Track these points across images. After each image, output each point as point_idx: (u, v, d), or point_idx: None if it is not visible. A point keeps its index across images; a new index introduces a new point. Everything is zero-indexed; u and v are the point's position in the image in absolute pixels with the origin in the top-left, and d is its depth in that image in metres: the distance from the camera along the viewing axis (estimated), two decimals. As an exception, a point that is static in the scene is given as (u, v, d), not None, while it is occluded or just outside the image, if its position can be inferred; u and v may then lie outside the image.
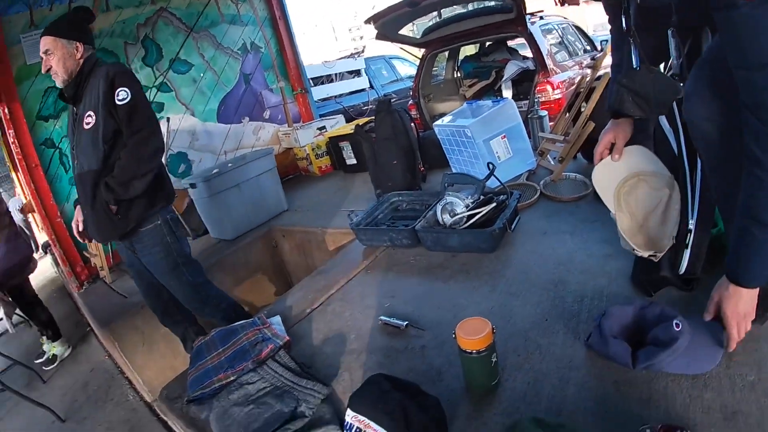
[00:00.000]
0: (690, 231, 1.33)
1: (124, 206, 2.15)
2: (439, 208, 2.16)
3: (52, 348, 4.29)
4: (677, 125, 1.31)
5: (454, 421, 1.18)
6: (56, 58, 2.13)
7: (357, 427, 1.10)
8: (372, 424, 1.07)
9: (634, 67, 1.27)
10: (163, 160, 3.49)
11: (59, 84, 2.19)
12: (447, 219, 2.12)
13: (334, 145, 4.60)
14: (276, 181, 3.90)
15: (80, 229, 2.37)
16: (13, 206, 6.60)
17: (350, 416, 1.12)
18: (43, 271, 7.42)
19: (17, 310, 4.41)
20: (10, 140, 3.48)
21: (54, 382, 4.01)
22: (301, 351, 1.65)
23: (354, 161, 4.43)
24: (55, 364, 4.23)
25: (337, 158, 4.66)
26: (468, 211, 2.09)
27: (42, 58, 2.17)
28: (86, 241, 2.54)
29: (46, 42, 2.15)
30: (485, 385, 1.23)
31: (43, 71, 2.20)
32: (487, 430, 1.13)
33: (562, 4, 5.35)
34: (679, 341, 1.07)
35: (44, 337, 4.34)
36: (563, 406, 1.13)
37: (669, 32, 1.20)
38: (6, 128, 3.45)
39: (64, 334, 4.46)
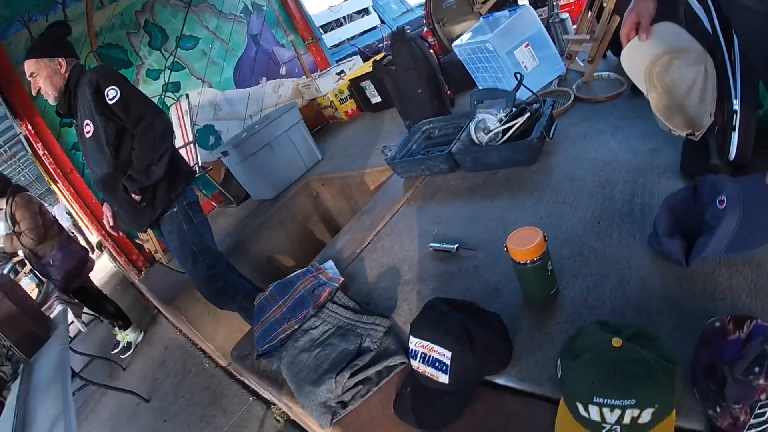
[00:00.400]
0: (735, 112, 1.23)
1: (149, 194, 2.22)
2: (472, 127, 2.09)
3: (125, 336, 4.55)
4: (707, 2, 1.20)
5: (516, 334, 1.17)
6: (42, 79, 2.15)
7: (422, 353, 1.11)
8: (435, 347, 1.08)
9: None
10: (184, 138, 3.55)
11: (52, 102, 2.23)
12: (482, 137, 2.06)
13: (356, 86, 4.52)
14: (305, 134, 3.89)
15: (111, 223, 2.46)
16: (60, 213, 6.89)
17: (414, 343, 1.13)
18: (104, 268, 7.81)
19: (85, 309, 4.68)
20: (41, 152, 3.58)
21: (133, 367, 4.28)
22: (357, 290, 1.67)
23: (378, 99, 4.34)
24: (131, 351, 4.51)
25: (362, 99, 4.58)
26: (502, 125, 2.02)
27: (30, 82, 2.19)
28: (120, 233, 2.70)
29: (29, 65, 2.15)
30: (544, 295, 1.21)
31: (33, 94, 2.23)
32: (551, 339, 1.13)
33: None
34: (724, 222, 1.01)
35: (116, 328, 4.61)
36: (626, 307, 1.11)
37: None
38: (34, 143, 3.55)
39: (134, 321, 4.73)
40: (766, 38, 1.01)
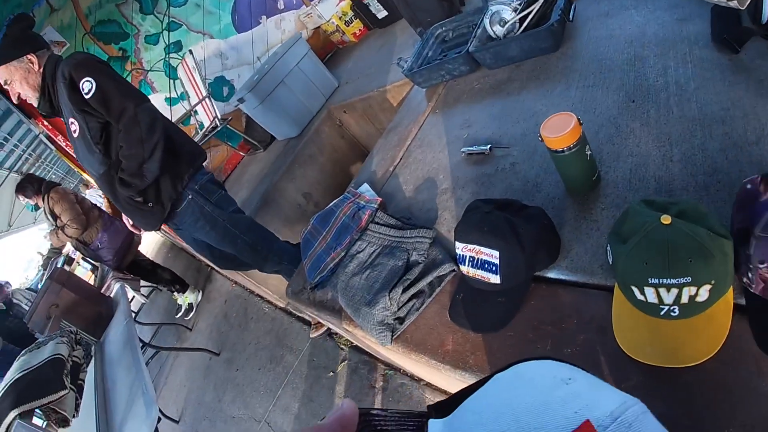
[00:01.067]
0: None
1: (152, 191, 2.05)
2: (487, 21, 1.98)
3: (185, 299, 4.77)
4: None
5: (563, 226, 1.16)
6: (17, 83, 1.97)
7: (470, 257, 1.11)
8: (482, 249, 1.08)
9: None
10: (198, 95, 3.44)
11: (35, 104, 2.05)
12: (498, 30, 1.95)
13: (358, 5, 4.31)
14: (317, 63, 3.80)
15: (131, 223, 2.32)
16: (94, 198, 7.07)
17: (460, 248, 1.14)
18: (152, 239, 8.07)
19: (142, 282, 4.89)
20: (63, 145, 3.61)
21: (199, 326, 4.50)
22: (396, 206, 1.68)
23: (385, 12, 4.15)
24: (194, 311, 4.74)
25: (368, 17, 4.39)
26: (518, 14, 1.90)
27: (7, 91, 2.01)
28: (141, 232, 2.49)
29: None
30: (586, 181, 1.18)
31: (14, 101, 2.08)
32: (598, 226, 1.11)
33: None
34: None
35: (175, 293, 4.82)
36: (672, 183, 1.07)
37: None
38: (54, 138, 3.57)
39: (191, 283, 4.93)
40: None
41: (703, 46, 1.36)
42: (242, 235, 2.32)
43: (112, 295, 3.61)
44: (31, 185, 3.88)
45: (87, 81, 1.87)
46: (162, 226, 2.28)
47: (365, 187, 1.82)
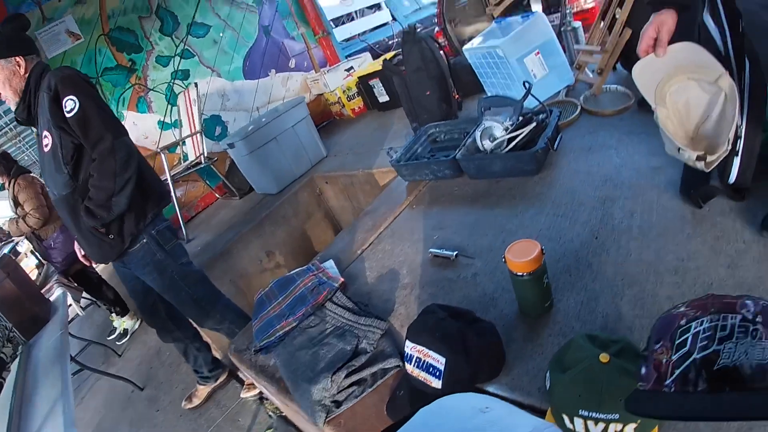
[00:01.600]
0: (739, 137, 1.24)
1: (116, 224, 1.99)
2: (478, 134, 2.12)
3: (123, 323, 4.56)
4: (722, 22, 1.21)
5: (510, 344, 1.20)
6: (0, 83, 1.91)
7: (417, 357, 1.13)
8: (431, 352, 1.10)
9: None
10: (191, 127, 3.47)
11: (13, 108, 1.98)
12: (487, 144, 2.08)
13: (364, 84, 4.53)
14: (312, 130, 3.90)
15: (83, 252, 2.24)
16: None
17: (409, 347, 1.16)
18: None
19: (84, 293, 4.68)
20: None
21: (128, 355, 4.29)
22: (356, 290, 1.70)
23: (386, 98, 4.36)
24: (127, 338, 4.52)
25: (369, 97, 4.59)
26: (508, 134, 2.03)
27: None
28: (91, 264, 2.40)
29: None
30: (539, 306, 1.24)
31: None
32: (542, 351, 1.15)
33: None
34: None
35: (113, 314, 4.61)
36: (619, 322, 1.13)
37: None
38: None
39: (132, 309, 4.72)
40: None
41: (670, 197, 1.47)
42: (187, 288, 2.25)
43: (52, 299, 3.45)
44: (2, 163, 3.77)
45: (71, 99, 1.82)
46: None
47: (330, 264, 1.84)
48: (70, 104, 1.81)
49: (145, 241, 2.08)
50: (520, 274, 1.16)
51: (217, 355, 3.31)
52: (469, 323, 1.16)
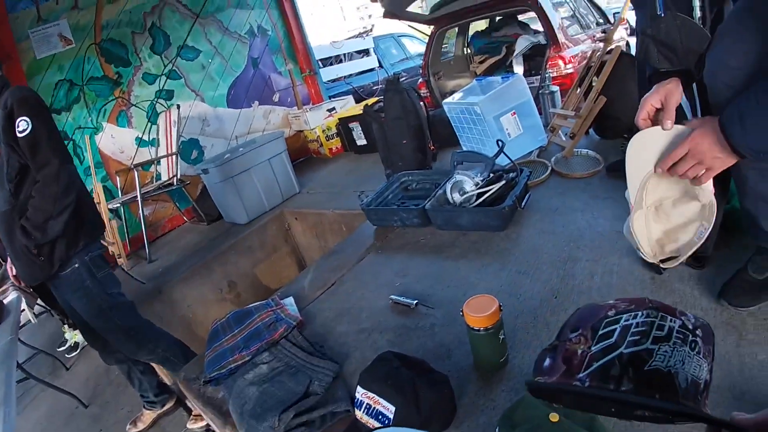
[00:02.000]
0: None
1: (47, 248, 2.00)
2: (448, 186, 2.16)
3: (74, 336, 4.38)
4: (694, 95, 1.25)
5: (462, 397, 1.20)
6: None
7: (367, 404, 1.12)
8: (381, 400, 1.09)
9: (659, 14, 1.18)
10: (167, 148, 3.45)
11: None
12: (457, 197, 2.13)
13: (344, 126, 4.60)
14: (287, 165, 3.93)
15: (14, 272, 2.25)
16: None
17: (360, 393, 1.15)
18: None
19: (39, 301, 4.50)
20: None
21: (76, 369, 4.12)
22: (313, 330, 1.68)
23: (364, 142, 4.43)
24: (78, 351, 4.34)
25: (348, 139, 4.66)
26: (477, 189, 2.09)
27: None
28: (22, 286, 2.40)
29: None
30: (493, 362, 1.25)
31: None
32: (494, 405, 1.15)
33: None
34: None
35: (66, 326, 4.42)
36: (571, 382, 1.15)
37: None
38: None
39: (83, 324, 4.52)
40: None
41: (632, 261, 1.52)
42: (116, 318, 2.22)
43: (5, 302, 3.30)
44: None
45: (24, 120, 1.84)
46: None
47: (290, 301, 1.83)
48: (23, 125, 1.83)
49: (76, 266, 2.08)
50: (477, 328, 1.17)
51: (166, 380, 3.21)
52: (423, 374, 1.16)
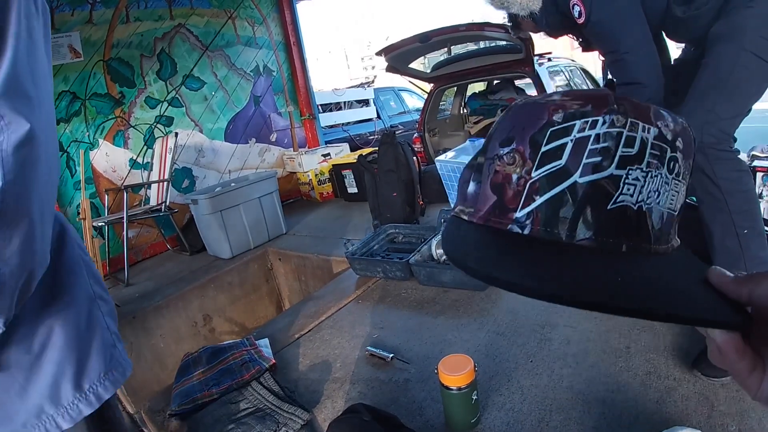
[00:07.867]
0: None
1: None
2: (434, 243, 2.19)
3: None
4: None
5: (431, 456, 1.19)
6: None
7: (334, 455, 1.11)
8: (349, 453, 1.08)
9: None
10: (160, 174, 3.44)
11: None
12: (441, 254, 2.15)
13: (336, 172, 4.66)
14: (276, 205, 3.94)
15: None
16: None
17: (328, 444, 1.14)
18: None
19: None
20: None
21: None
22: (286, 375, 1.66)
23: (355, 190, 4.48)
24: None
25: (339, 186, 4.71)
26: (462, 248, 2.12)
27: None
28: None
29: None
30: (464, 422, 1.24)
31: None
32: (462, 468, 1.15)
33: (584, 50, 5.44)
34: None
35: None
36: (541, 448, 1.15)
37: None
38: None
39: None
40: None
41: (608, 329, 1.55)
42: None
43: None
44: None
45: None
46: None
47: (265, 342, 1.81)
48: None
49: None
50: (451, 387, 1.18)
51: (129, 408, 3.10)
52: (393, 430, 1.16)
